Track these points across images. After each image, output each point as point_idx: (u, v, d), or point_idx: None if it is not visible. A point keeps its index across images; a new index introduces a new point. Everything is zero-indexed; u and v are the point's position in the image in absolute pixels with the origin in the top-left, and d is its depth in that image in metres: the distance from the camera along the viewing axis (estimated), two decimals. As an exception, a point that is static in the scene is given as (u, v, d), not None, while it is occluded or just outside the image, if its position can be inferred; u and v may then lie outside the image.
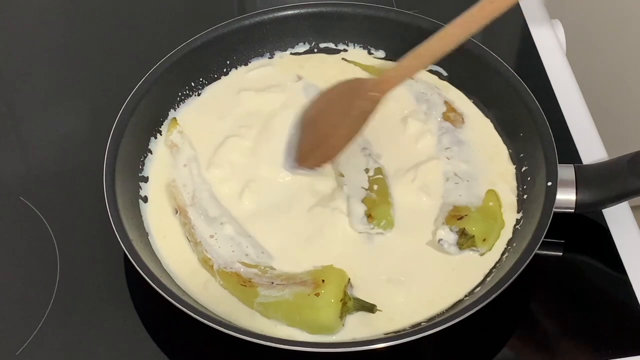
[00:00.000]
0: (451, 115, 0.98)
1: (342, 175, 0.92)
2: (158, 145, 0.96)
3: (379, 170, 0.93)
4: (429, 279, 0.86)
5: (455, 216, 0.88)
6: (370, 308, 0.83)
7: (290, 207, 0.91)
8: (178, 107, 0.99)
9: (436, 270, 0.86)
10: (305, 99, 0.97)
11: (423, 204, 0.91)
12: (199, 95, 1.01)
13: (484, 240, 0.87)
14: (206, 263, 0.87)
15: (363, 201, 0.89)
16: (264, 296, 0.83)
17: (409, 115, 0.98)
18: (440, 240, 0.87)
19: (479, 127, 0.98)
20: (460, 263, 0.87)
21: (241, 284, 0.84)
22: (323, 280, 0.82)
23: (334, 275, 0.83)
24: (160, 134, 0.97)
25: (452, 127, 0.97)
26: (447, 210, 0.89)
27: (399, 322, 0.82)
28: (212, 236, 0.88)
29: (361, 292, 0.84)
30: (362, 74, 1.01)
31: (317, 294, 0.81)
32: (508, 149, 0.95)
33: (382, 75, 0.90)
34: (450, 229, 0.87)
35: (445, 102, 0.99)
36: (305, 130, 0.94)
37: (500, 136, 0.97)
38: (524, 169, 0.93)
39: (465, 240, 0.87)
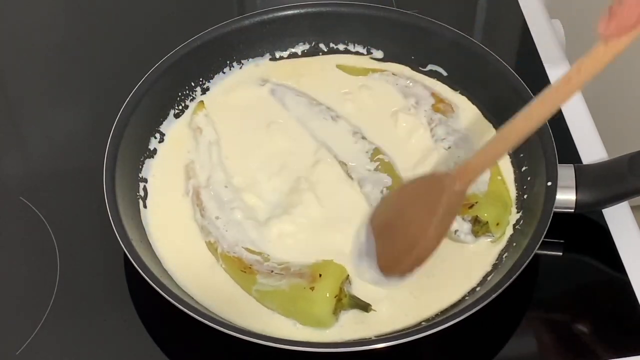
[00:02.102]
0: (441, 106, 0.98)
1: (345, 164, 0.94)
2: (173, 130, 0.98)
3: (377, 151, 0.94)
4: (442, 274, 0.86)
5: (466, 205, 0.88)
6: (365, 307, 0.83)
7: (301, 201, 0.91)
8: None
9: (448, 264, 0.87)
10: (275, 102, 0.99)
11: None
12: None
13: (497, 224, 0.88)
14: (212, 246, 0.88)
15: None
16: (261, 284, 0.84)
17: (399, 110, 0.98)
18: (456, 231, 0.88)
19: (470, 113, 0.99)
20: (468, 258, 0.88)
21: (241, 270, 0.85)
22: (320, 275, 0.82)
23: (332, 271, 0.83)
24: (161, 134, 0.97)
25: (443, 118, 0.97)
26: None
27: (400, 322, 0.83)
28: (217, 218, 0.89)
29: (364, 289, 0.85)
30: (352, 78, 1.02)
31: (312, 288, 0.81)
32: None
33: (463, 165, 0.82)
34: (463, 219, 0.88)
35: (433, 94, 1.00)
36: (384, 236, 0.85)
37: (490, 121, 0.98)
38: (523, 168, 0.93)
39: (479, 227, 0.87)
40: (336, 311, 0.82)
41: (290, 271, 0.84)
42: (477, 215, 0.87)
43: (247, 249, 0.87)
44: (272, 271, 0.84)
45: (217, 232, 0.88)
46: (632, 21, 0.70)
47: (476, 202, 0.88)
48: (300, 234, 0.89)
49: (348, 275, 0.84)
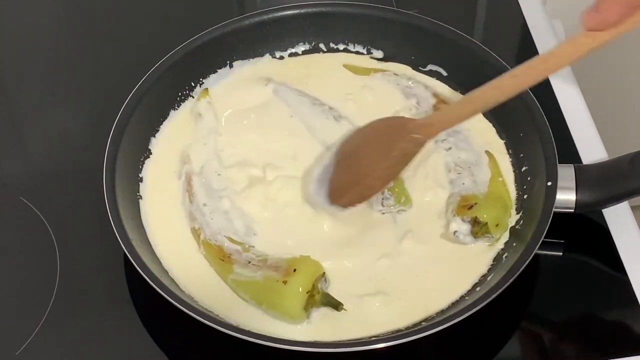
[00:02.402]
0: (442, 107, 0.98)
1: None
2: (177, 116, 0.98)
3: None
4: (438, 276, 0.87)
5: (465, 206, 0.88)
6: (336, 305, 0.83)
7: (296, 203, 0.92)
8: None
9: (448, 264, 0.87)
10: (277, 100, 0.99)
11: (440, 199, 0.91)
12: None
13: (497, 225, 0.88)
14: (195, 232, 0.89)
15: None
16: (237, 274, 0.85)
17: (400, 110, 0.98)
18: (455, 232, 0.88)
19: None
20: (468, 258, 0.87)
21: (220, 258, 0.86)
22: (295, 270, 0.82)
23: (306, 266, 0.83)
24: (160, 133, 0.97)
25: None
26: (455, 202, 0.90)
27: (399, 322, 0.83)
28: (205, 205, 0.90)
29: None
30: (354, 78, 1.02)
31: (285, 282, 0.82)
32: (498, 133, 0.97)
33: (428, 118, 0.87)
34: (463, 220, 0.88)
35: (434, 94, 1.00)
36: (340, 165, 0.89)
37: (490, 121, 0.97)
38: (524, 169, 0.93)
39: (479, 228, 0.87)
40: (307, 307, 0.82)
41: (267, 263, 0.85)
42: (476, 216, 0.87)
43: (229, 238, 0.88)
44: (249, 262, 0.85)
45: (202, 219, 0.89)
46: (614, 18, 0.72)
47: (476, 203, 0.88)
48: (284, 228, 0.89)
49: (324, 273, 0.84)
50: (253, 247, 0.87)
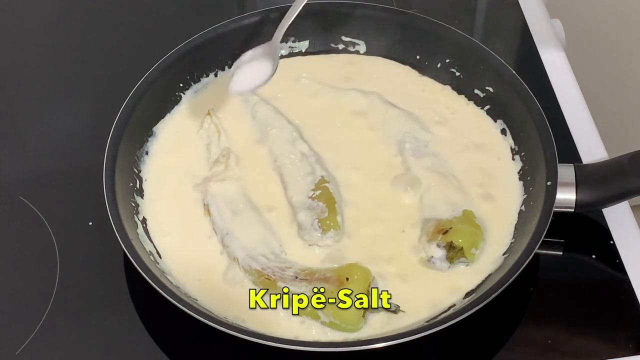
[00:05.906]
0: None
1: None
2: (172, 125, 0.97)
3: (323, 179, 0.91)
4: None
5: (440, 231, 0.86)
6: (394, 309, 0.82)
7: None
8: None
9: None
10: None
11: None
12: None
13: (473, 249, 0.86)
14: (233, 258, 0.87)
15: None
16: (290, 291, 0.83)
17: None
18: (431, 258, 0.86)
19: (470, 112, 0.99)
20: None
21: (266, 278, 0.84)
22: (347, 279, 0.81)
23: (358, 274, 0.82)
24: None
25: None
26: (430, 226, 0.88)
27: (399, 322, 0.83)
28: (227, 233, 0.88)
29: None
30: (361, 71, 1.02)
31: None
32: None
33: None
34: (438, 245, 0.86)
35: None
36: None
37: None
38: (524, 168, 0.93)
39: (454, 253, 0.85)
40: (365, 314, 0.82)
41: (315, 276, 0.83)
42: (451, 241, 0.85)
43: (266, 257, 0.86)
44: (296, 277, 0.83)
45: (228, 242, 0.88)
46: None
47: (450, 228, 0.86)
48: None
49: (374, 278, 0.83)
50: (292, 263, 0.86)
